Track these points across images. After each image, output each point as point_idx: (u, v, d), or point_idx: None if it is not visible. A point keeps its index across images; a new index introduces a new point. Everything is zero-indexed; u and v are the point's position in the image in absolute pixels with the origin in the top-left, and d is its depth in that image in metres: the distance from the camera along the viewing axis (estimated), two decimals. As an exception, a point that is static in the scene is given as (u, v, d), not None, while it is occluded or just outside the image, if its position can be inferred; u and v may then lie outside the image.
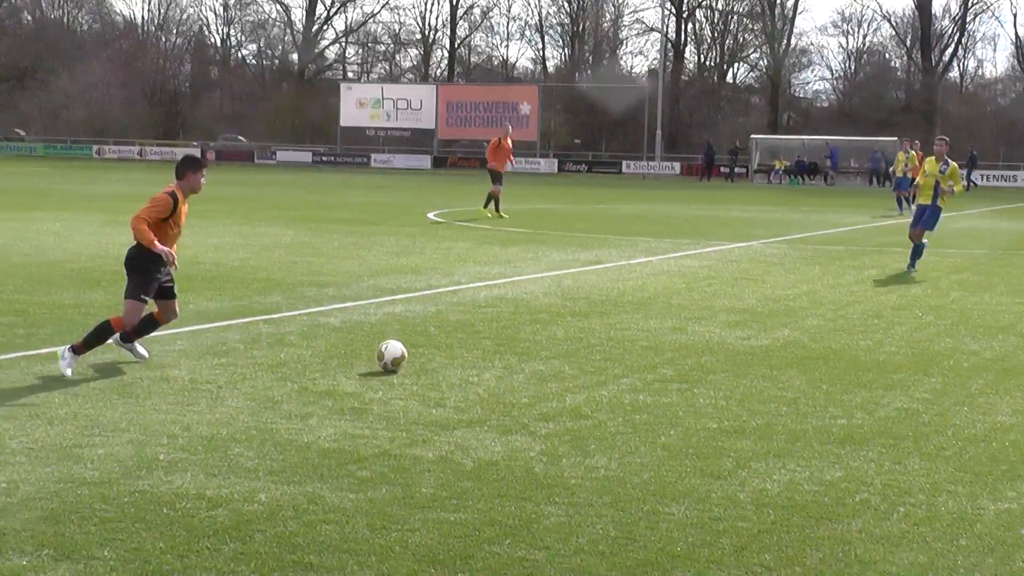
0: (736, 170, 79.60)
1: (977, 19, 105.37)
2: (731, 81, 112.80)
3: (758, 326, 14.10)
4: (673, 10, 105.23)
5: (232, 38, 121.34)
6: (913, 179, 26.54)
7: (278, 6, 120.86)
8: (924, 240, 20.60)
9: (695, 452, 8.30)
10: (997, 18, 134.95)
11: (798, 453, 8.35)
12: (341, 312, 14.46)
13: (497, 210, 32.17)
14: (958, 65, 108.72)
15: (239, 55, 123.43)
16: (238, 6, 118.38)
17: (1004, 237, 31.00)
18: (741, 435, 8.83)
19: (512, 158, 33.62)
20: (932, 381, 11.08)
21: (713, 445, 8.51)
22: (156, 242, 10.56)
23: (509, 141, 33.32)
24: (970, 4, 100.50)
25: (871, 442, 8.71)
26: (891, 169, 41.51)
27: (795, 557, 6.31)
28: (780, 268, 20.95)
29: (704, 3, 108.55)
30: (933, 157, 20.97)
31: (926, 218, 20.68)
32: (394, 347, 10.87)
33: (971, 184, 68.28)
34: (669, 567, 6.13)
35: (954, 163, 20.72)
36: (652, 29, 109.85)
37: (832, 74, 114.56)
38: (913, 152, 39.72)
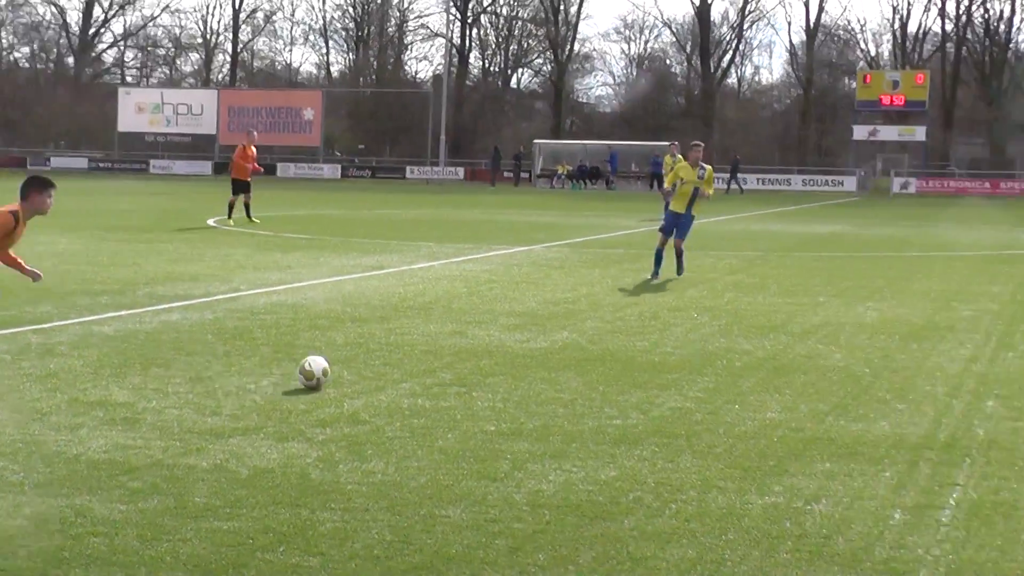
0: (520, 175, 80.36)
1: (754, 26, 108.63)
2: (515, 87, 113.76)
3: (537, 329, 14.23)
4: (458, 15, 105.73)
5: (4, 40, 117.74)
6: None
7: (53, 8, 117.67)
8: (683, 248, 20.53)
9: (472, 455, 8.32)
10: (773, 26, 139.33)
11: (574, 454, 8.44)
12: (115, 321, 14.13)
13: (248, 216, 31.67)
14: (736, 71, 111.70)
15: (12, 58, 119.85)
16: (10, 7, 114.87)
17: (777, 239, 31.85)
18: (518, 437, 8.89)
19: (256, 165, 32.83)
20: (705, 380, 11.32)
21: (490, 447, 8.55)
22: (22, 262, 10.11)
23: (253, 149, 32.74)
24: (747, 12, 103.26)
25: (645, 441, 8.85)
26: (663, 172, 42.39)
27: (568, 556, 6.37)
28: (561, 271, 21.19)
29: (489, 8, 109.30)
30: (688, 163, 20.56)
31: (682, 227, 20.45)
32: (317, 363, 10.56)
33: (738, 188, 70.07)
34: (443, 569, 6.13)
35: (709, 167, 20.57)
36: (437, 34, 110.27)
37: (614, 80, 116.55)
38: (680, 156, 40.71)
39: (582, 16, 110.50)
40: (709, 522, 6.99)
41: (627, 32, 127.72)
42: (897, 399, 10.59)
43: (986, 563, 6.45)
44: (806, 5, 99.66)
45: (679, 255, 20.41)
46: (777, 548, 6.58)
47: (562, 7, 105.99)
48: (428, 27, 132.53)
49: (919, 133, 79.93)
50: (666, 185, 20.58)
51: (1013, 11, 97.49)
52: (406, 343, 12.97)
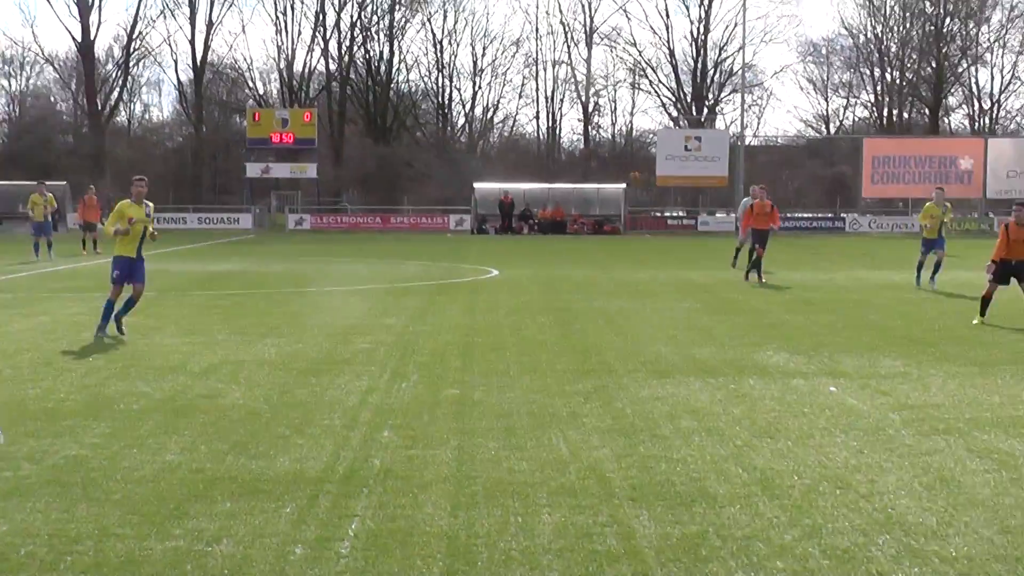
0: None
1: (141, 63, 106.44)
2: None
3: (-81, 380, 13.37)
4: None
5: None
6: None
7: None
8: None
9: None
10: (159, 64, 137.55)
11: (-40, 512, 7.97)
12: None
13: None
14: (125, 109, 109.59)
15: None
16: None
17: (174, 279, 31.46)
18: (-102, 498, 8.29)
19: None
20: (103, 426, 11.00)
21: None
22: None
23: None
24: (132, 49, 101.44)
25: (38, 492, 8.49)
26: (30, 212, 41.06)
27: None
28: (-56, 318, 20.03)
29: None
30: (133, 201, 18.22)
31: (139, 271, 18.34)
32: None
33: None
34: None
35: (152, 204, 18.74)
36: None
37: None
38: (50, 196, 40.22)
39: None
40: (107, 571, 6.80)
41: (6, 68, 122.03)
42: (296, 434, 10.71)
43: (385, 590, 6.62)
44: (192, 43, 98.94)
45: (135, 300, 18.49)
46: (179, 593, 6.48)
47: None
48: None
49: (311, 170, 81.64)
50: (119, 226, 17.78)
51: (392, 52, 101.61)
52: None
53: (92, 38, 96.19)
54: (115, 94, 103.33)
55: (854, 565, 7.12)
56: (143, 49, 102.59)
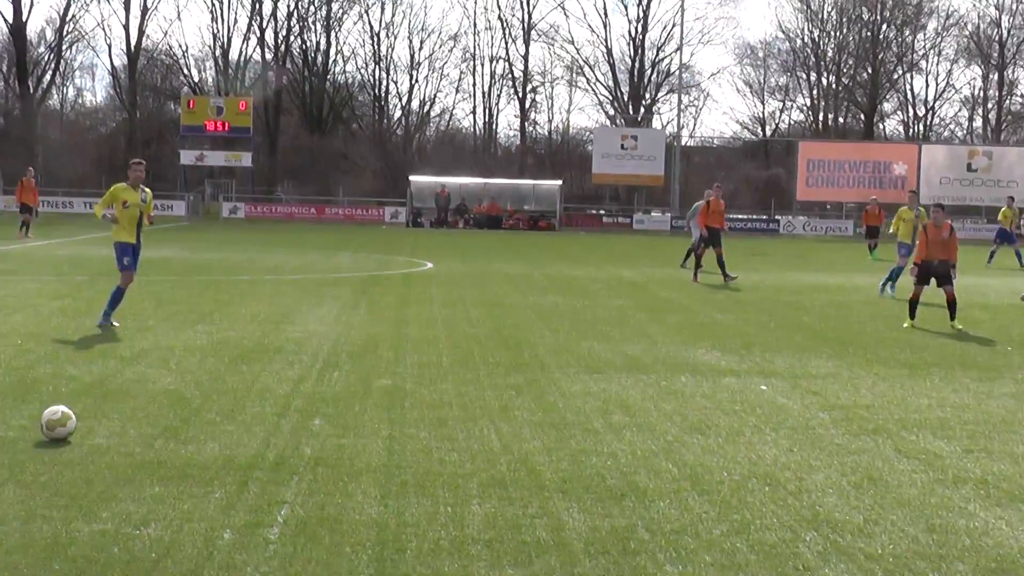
0: None
1: (74, 47, 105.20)
2: None
3: None
4: None
5: None
6: None
7: None
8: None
9: None
10: (93, 48, 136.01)
11: None
12: None
13: None
14: (58, 93, 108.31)
15: None
16: None
17: (106, 264, 31.12)
18: None
19: None
20: (31, 408, 10.89)
21: None
22: None
23: None
24: (65, 32, 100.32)
25: (-36, 474, 8.40)
26: None
27: None
28: None
29: None
30: (129, 185, 17.50)
31: (136, 258, 17.79)
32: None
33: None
34: None
35: (150, 190, 18.04)
36: None
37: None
38: None
39: None
40: (34, 552, 6.74)
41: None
42: (227, 420, 10.65)
43: (314, 576, 6.61)
44: (126, 28, 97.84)
45: (121, 293, 17.63)
46: (105, 574, 6.42)
47: None
48: None
49: (246, 159, 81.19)
50: (107, 212, 17.24)
51: (329, 43, 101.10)
52: None
53: (24, 19, 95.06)
54: (47, 77, 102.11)
55: (781, 561, 7.18)
56: (76, 32, 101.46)
